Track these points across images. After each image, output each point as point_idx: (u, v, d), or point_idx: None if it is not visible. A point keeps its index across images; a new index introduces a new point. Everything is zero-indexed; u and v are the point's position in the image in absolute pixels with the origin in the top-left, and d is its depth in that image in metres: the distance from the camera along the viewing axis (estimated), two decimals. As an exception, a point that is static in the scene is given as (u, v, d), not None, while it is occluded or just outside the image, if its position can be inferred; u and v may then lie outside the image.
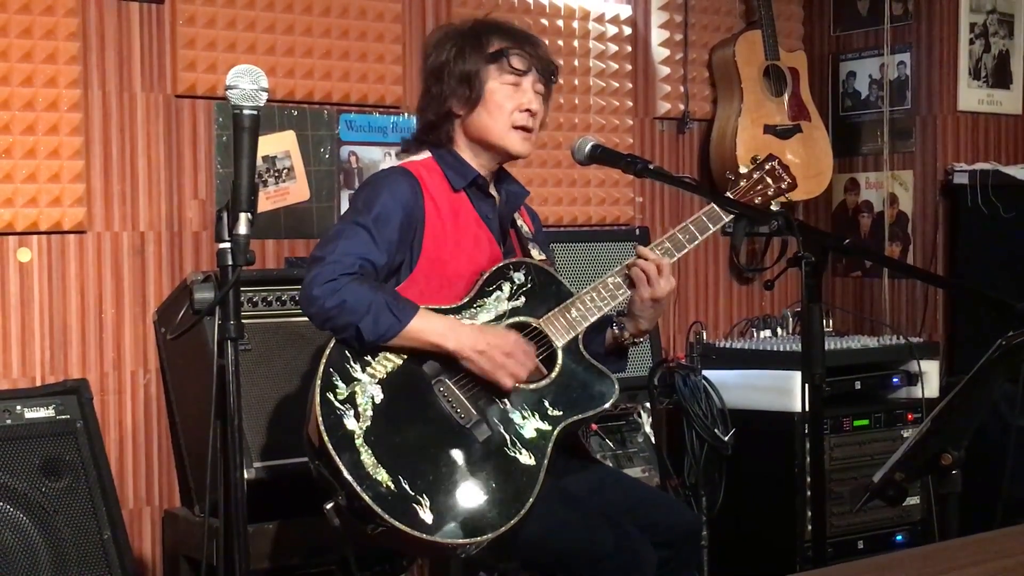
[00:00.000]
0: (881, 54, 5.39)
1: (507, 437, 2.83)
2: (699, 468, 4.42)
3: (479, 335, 2.84)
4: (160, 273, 3.99)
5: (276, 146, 4.18)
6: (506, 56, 3.02)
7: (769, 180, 3.12)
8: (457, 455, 2.79)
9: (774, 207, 3.20)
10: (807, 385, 2.74)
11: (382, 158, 4.39)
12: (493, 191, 3.12)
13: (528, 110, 3.02)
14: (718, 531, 4.43)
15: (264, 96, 2.48)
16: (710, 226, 3.06)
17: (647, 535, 2.89)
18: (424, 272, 2.95)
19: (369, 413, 2.76)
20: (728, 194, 3.10)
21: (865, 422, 4.56)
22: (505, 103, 3.01)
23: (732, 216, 3.08)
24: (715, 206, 3.06)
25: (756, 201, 3.11)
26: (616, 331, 3.08)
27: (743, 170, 3.15)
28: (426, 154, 3.07)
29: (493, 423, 2.84)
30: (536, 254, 3.11)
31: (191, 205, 4.05)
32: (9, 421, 3.49)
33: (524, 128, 3.02)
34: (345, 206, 4.31)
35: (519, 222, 3.18)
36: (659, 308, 3.03)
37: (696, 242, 3.06)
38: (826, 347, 3.27)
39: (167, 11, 3.99)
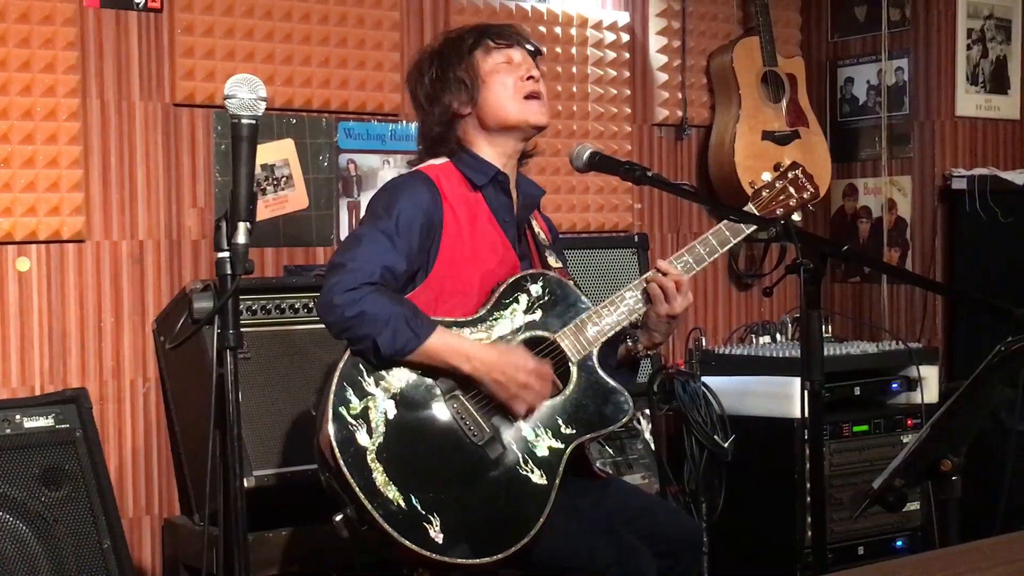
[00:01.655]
0: (879, 60, 5.39)
1: (520, 455, 2.81)
2: (699, 474, 4.41)
3: (497, 362, 2.80)
4: (159, 282, 3.99)
5: (275, 154, 4.18)
6: (487, 37, 3.01)
7: (792, 190, 3.03)
8: (469, 474, 2.77)
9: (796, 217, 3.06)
10: (806, 391, 2.74)
11: (381, 166, 4.39)
12: (513, 190, 3.07)
13: (531, 77, 2.99)
14: (718, 537, 4.42)
15: (262, 105, 2.47)
16: (731, 238, 3.00)
17: (648, 545, 2.89)
18: (439, 277, 2.91)
19: (382, 429, 2.73)
20: (751, 205, 3.02)
21: (865, 428, 4.56)
22: (506, 78, 2.98)
23: (753, 228, 2.99)
24: (734, 218, 2.98)
25: (778, 212, 3.01)
26: (630, 344, 3.05)
27: (766, 177, 3.05)
28: (443, 159, 3.02)
29: (506, 441, 2.81)
30: (553, 262, 3.08)
31: (190, 214, 4.05)
32: (8, 430, 3.48)
33: (534, 95, 2.98)
34: (344, 213, 4.31)
35: (536, 228, 3.14)
36: (675, 323, 3.00)
37: (716, 255, 3.01)
38: (825, 353, 3.27)
39: (165, 20, 3.99)
